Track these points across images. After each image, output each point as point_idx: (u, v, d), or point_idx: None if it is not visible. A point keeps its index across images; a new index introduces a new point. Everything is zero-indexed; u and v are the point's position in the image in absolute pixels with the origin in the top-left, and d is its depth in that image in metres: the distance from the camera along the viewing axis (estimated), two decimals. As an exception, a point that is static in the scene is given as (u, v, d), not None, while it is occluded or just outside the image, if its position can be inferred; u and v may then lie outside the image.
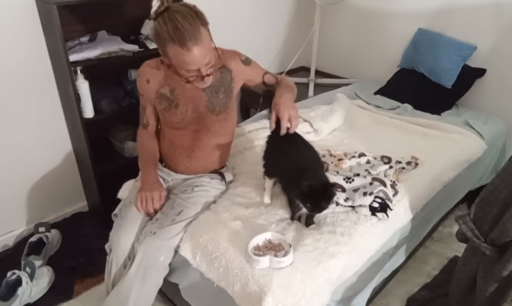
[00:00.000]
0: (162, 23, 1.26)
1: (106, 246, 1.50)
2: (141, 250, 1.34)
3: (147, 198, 1.46)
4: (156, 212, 1.48)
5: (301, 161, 1.38)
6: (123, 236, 1.43)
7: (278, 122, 1.44)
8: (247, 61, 1.55)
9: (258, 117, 2.17)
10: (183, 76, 1.36)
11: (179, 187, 1.58)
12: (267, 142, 1.53)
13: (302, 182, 1.25)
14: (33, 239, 1.99)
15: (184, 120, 1.51)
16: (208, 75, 1.35)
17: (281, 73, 3.03)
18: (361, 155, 1.80)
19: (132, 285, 1.34)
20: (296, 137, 1.49)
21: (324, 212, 1.46)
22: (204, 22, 1.29)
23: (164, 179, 1.60)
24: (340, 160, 1.77)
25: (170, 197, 1.54)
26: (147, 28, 2.14)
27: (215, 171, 1.64)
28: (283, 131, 1.41)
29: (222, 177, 1.63)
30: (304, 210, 1.36)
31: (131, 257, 1.41)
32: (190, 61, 1.28)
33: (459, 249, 2.08)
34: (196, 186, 1.55)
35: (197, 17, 1.26)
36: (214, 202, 1.55)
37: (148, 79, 1.50)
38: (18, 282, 1.75)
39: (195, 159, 1.58)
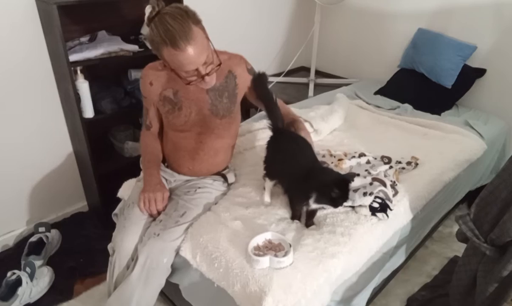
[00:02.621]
0: (154, 28, 1.26)
1: (109, 247, 1.50)
2: (145, 252, 1.34)
3: (150, 199, 1.46)
4: (159, 213, 1.48)
5: (306, 163, 1.39)
6: (127, 237, 1.43)
7: (276, 129, 1.48)
8: (252, 71, 1.54)
9: (258, 118, 2.17)
10: (183, 79, 1.35)
11: (181, 188, 1.58)
12: (267, 147, 1.53)
13: (328, 189, 1.30)
14: (33, 239, 1.99)
15: (187, 123, 1.50)
16: (207, 74, 1.33)
17: (281, 73, 3.03)
18: (361, 155, 1.80)
19: (135, 287, 1.34)
20: (297, 139, 1.49)
21: (324, 212, 1.47)
22: (196, 21, 1.27)
23: (166, 180, 1.60)
24: (340, 160, 1.77)
25: (172, 197, 1.54)
26: (147, 28, 2.13)
27: (217, 173, 1.64)
28: None
29: (225, 179, 1.63)
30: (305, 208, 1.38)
31: (134, 258, 1.41)
32: (186, 61, 1.26)
33: (459, 249, 2.08)
34: (199, 187, 1.54)
35: (187, 16, 1.25)
36: (215, 203, 1.55)
37: (151, 82, 1.49)
38: (18, 282, 1.75)
39: (198, 161, 1.57)
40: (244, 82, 1.52)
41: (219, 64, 1.37)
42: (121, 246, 1.42)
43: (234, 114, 1.54)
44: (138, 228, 1.44)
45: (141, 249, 1.35)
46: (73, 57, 1.82)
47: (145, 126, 1.63)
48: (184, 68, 1.29)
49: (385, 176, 1.62)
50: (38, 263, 1.90)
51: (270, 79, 2.82)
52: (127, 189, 1.67)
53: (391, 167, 1.74)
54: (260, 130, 2.02)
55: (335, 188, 1.29)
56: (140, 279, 1.33)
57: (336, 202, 1.34)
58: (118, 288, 1.38)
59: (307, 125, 2.09)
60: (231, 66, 1.48)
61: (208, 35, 1.35)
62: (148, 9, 1.28)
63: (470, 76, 2.38)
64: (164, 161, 1.67)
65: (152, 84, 1.49)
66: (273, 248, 1.28)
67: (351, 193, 1.50)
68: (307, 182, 1.33)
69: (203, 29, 1.30)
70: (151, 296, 1.37)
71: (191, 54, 1.25)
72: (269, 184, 1.51)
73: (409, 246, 1.72)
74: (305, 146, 1.46)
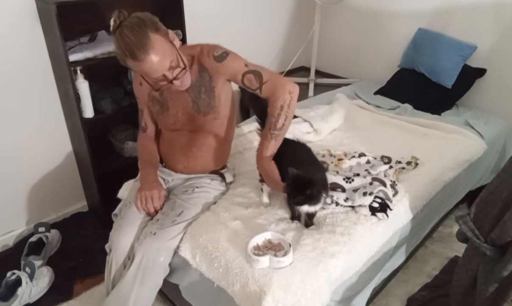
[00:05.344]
0: (116, 41, 1.26)
1: (106, 246, 1.50)
2: (141, 250, 1.34)
3: (146, 197, 1.46)
4: (156, 211, 1.48)
5: (299, 163, 1.37)
6: (123, 236, 1.43)
7: None
8: (219, 58, 1.42)
9: (258, 117, 2.17)
10: (154, 85, 1.36)
11: (179, 187, 1.58)
12: None
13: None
14: (33, 239, 1.99)
15: (177, 122, 1.52)
16: (175, 78, 1.34)
17: (281, 73, 3.03)
18: (361, 154, 1.80)
19: (131, 286, 1.34)
20: (293, 143, 1.49)
21: (324, 212, 1.47)
22: (155, 29, 1.26)
23: (164, 180, 1.61)
24: (340, 160, 1.77)
25: (170, 197, 1.54)
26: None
27: (215, 172, 1.64)
28: None
29: (223, 178, 1.63)
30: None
31: (130, 257, 1.41)
32: (149, 70, 1.27)
33: (459, 249, 2.08)
34: (197, 187, 1.54)
35: (145, 25, 1.24)
36: (214, 203, 1.55)
37: (141, 82, 1.52)
38: (18, 282, 1.75)
39: (192, 157, 1.58)
40: (216, 73, 1.44)
41: (184, 68, 1.37)
42: (117, 245, 1.42)
43: (217, 109, 1.49)
44: (134, 227, 1.44)
45: (138, 248, 1.35)
46: (73, 57, 1.82)
47: (141, 128, 1.65)
48: (150, 76, 1.30)
49: (385, 175, 1.62)
50: (38, 263, 1.89)
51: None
52: (126, 190, 1.66)
53: (391, 167, 1.74)
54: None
55: (291, 177, 1.24)
56: (136, 278, 1.33)
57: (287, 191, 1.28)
58: (115, 287, 1.39)
59: (307, 125, 2.10)
60: (202, 59, 1.45)
61: (174, 39, 1.33)
62: (111, 22, 1.27)
63: (470, 76, 2.38)
64: (161, 160, 1.67)
65: (142, 85, 1.52)
66: (273, 248, 1.28)
67: (351, 193, 1.50)
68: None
69: (165, 35, 1.30)
70: (148, 295, 1.37)
71: (153, 63, 1.25)
72: (266, 187, 1.51)
73: (409, 246, 1.72)
74: (300, 149, 1.47)
